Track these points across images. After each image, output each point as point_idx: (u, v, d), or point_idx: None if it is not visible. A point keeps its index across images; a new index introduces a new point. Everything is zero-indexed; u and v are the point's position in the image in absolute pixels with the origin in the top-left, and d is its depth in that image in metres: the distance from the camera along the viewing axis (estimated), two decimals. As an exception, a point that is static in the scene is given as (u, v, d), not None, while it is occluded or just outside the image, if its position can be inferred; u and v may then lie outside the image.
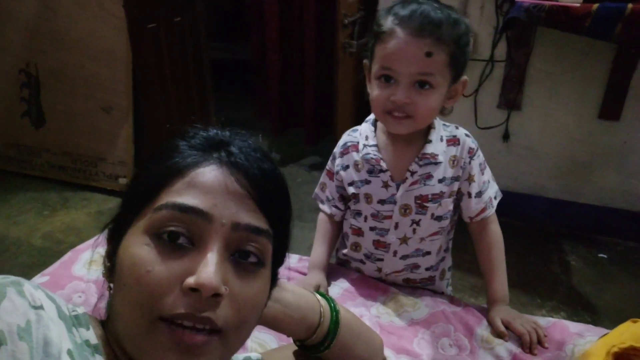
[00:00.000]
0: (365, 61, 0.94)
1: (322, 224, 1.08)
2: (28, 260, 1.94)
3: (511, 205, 2.23)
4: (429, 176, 0.95)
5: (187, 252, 0.45)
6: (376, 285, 1.03)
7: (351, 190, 1.00)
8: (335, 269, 1.09)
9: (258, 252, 0.48)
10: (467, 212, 0.99)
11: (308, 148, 2.81)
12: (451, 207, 0.99)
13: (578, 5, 1.50)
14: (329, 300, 0.65)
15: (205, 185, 0.47)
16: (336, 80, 2.40)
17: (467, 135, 0.98)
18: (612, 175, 2.04)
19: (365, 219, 1.01)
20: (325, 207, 1.07)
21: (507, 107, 2.03)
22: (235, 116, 3.11)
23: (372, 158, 0.96)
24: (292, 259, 1.12)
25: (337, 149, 1.04)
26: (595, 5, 1.47)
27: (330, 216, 1.07)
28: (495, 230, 1.00)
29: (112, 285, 0.49)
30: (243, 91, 3.35)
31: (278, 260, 0.54)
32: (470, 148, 0.96)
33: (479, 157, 0.98)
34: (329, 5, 2.40)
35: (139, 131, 2.33)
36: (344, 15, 2.16)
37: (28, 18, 2.31)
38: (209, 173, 0.47)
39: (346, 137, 1.03)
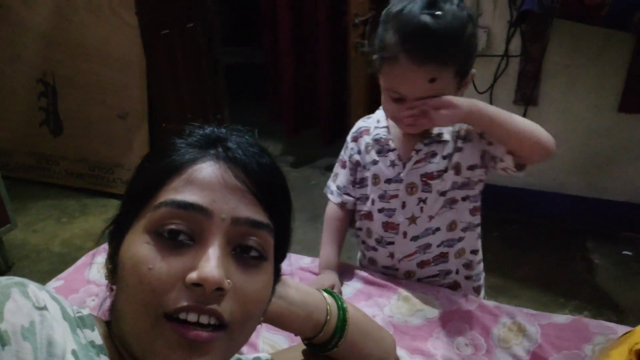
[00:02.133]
0: (375, 57, 0.93)
1: (331, 222, 1.09)
2: (48, 266, 1.97)
3: (532, 203, 2.19)
4: (434, 154, 0.97)
5: (188, 249, 0.45)
6: (389, 285, 1.02)
7: (361, 173, 1.04)
8: (346, 269, 1.08)
9: (259, 246, 0.48)
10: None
11: (324, 147, 2.81)
12: (451, 180, 0.97)
13: (593, -5, 1.47)
14: (336, 297, 0.64)
15: (203, 181, 0.46)
16: (349, 80, 2.39)
17: None
18: (634, 169, 1.98)
19: (373, 202, 1.02)
20: (334, 197, 1.09)
21: (523, 103, 1.99)
22: (249, 120, 3.12)
23: (381, 138, 1.01)
24: (306, 260, 1.12)
25: (349, 136, 1.07)
26: (612, -5, 1.44)
27: (341, 205, 1.08)
28: None
29: (114, 287, 0.49)
30: (256, 95, 3.36)
31: (280, 254, 0.53)
32: None
33: None
34: (340, 6, 2.40)
35: (155, 137, 2.36)
36: (355, 14, 2.16)
37: (43, 28, 2.35)
38: (207, 169, 0.47)
39: (360, 123, 1.07)
